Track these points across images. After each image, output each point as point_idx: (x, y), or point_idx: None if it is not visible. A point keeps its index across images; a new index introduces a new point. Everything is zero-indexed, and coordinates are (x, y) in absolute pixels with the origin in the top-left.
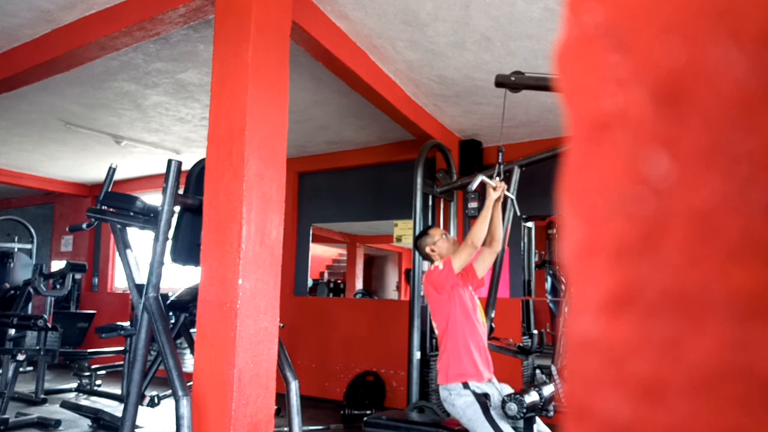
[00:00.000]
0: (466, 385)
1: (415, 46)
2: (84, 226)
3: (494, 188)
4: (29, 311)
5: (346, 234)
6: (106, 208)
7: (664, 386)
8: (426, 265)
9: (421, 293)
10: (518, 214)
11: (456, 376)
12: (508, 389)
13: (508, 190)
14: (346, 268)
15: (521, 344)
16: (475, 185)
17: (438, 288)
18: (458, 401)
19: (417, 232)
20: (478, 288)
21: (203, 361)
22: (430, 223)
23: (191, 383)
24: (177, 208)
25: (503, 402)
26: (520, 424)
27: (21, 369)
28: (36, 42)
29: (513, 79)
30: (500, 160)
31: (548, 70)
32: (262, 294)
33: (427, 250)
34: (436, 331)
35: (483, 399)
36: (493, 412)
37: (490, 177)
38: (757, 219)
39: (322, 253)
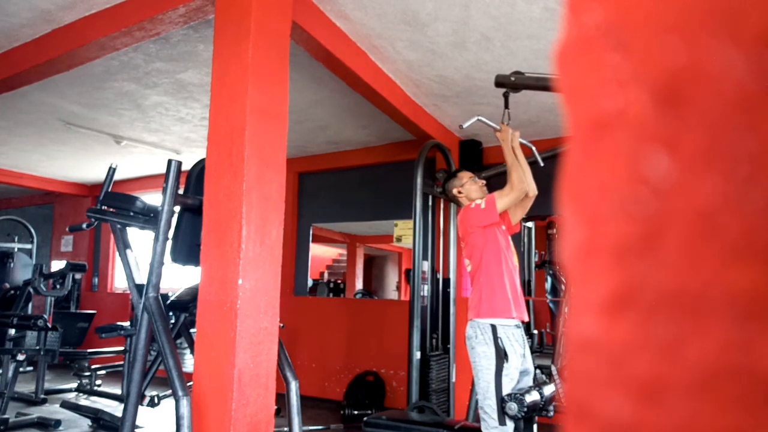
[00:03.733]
0: (494, 331)
1: (415, 46)
2: (84, 226)
3: (498, 131)
4: (29, 311)
5: (346, 234)
6: (106, 208)
7: (664, 386)
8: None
9: (422, 292)
10: (541, 164)
11: (488, 312)
12: (528, 356)
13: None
14: (346, 268)
15: None
16: (467, 124)
17: (473, 224)
18: (479, 347)
19: (418, 231)
20: (512, 233)
21: (203, 361)
22: (429, 222)
23: (191, 383)
24: (177, 208)
25: (503, 401)
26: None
27: (21, 369)
28: (36, 42)
29: (513, 79)
30: (507, 106)
31: (548, 70)
32: (262, 294)
33: (455, 191)
34: (469, 267)
35: (501, 356)
36: (504, 378)
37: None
38: (757, 219)
39: (322, 253)
